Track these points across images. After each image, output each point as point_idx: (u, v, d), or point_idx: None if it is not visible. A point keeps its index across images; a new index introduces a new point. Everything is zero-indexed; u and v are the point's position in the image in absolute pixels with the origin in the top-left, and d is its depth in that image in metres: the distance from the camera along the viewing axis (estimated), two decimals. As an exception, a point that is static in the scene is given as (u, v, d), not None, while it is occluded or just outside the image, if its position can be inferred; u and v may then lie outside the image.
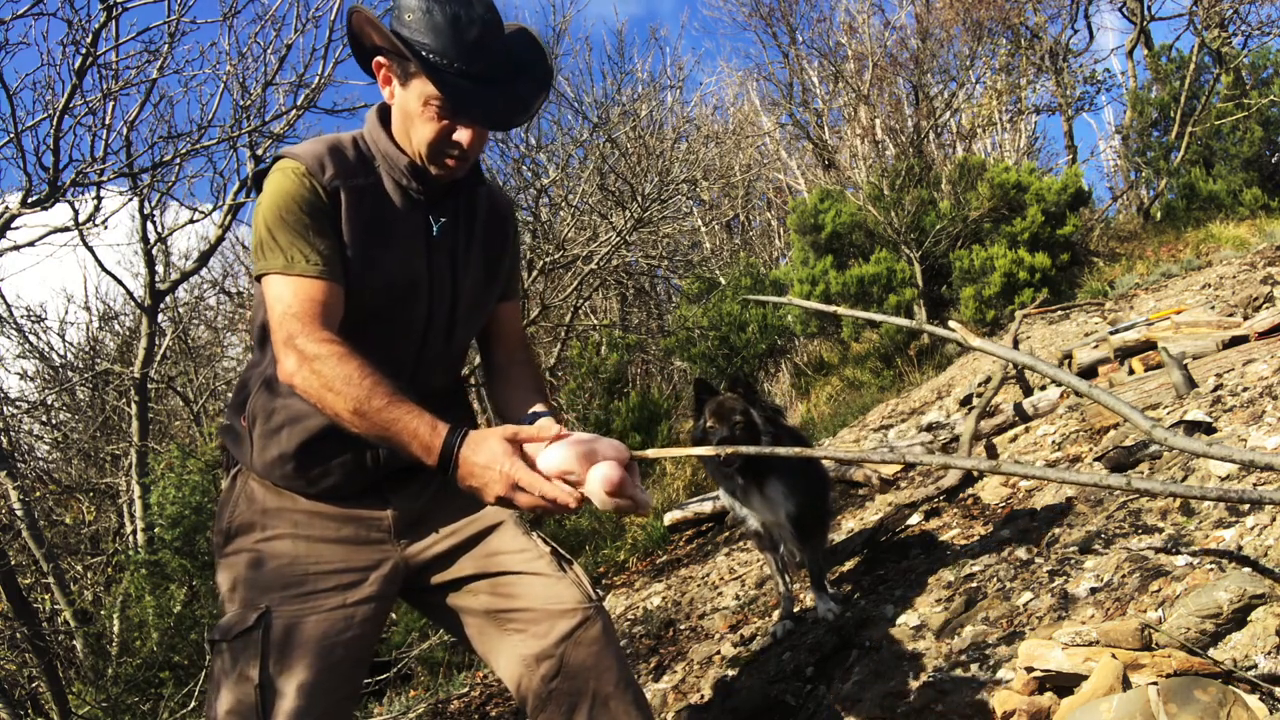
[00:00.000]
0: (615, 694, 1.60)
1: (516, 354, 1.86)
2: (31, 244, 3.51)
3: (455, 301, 1.70)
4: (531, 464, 1.40)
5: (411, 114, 1.55)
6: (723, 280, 10.12)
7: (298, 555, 1.62)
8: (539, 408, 1.71)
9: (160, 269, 5.16)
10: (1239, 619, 1.76)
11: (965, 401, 5.47)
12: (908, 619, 2.55)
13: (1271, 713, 1.53)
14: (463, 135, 1.54)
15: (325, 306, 1.49)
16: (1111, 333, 4.88)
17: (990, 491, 3.47)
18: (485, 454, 1.35)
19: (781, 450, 1.54)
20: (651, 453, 1.52)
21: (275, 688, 1.50)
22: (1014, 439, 4.23)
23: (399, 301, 1.62)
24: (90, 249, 4.14)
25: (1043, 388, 4.79)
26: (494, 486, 1.35)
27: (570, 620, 1.60)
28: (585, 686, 1.59)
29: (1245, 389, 3.19)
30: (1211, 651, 1.74)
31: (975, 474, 3.66)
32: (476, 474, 1.36)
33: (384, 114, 1.65)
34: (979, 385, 5.51)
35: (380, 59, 1.56)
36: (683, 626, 3.40)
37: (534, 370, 1.86)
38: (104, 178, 3.51)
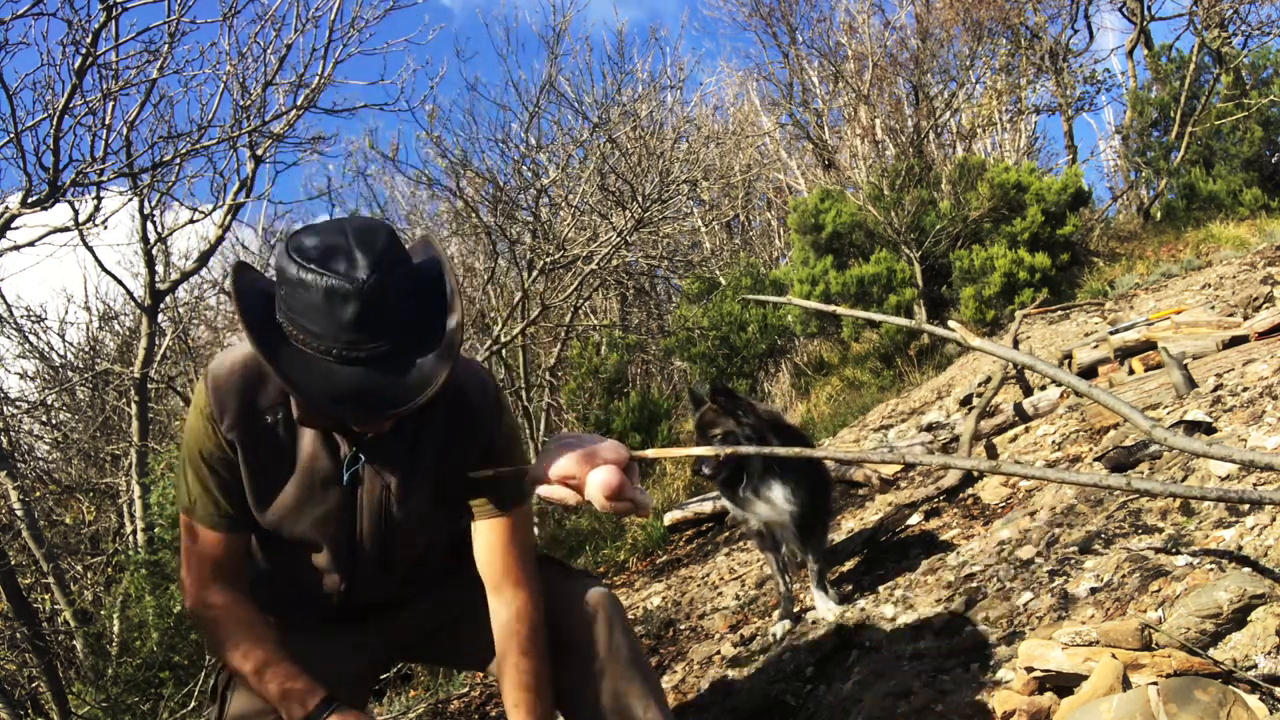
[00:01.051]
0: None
1: (505, 591, 1.57)
2: (31, 244, 3.51)
3: (386, 539, 1.58)
4: None
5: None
6: (723, 280, 10.12)
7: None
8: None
9: (160, 269, 5.16)
10: (1239, 619, 1.76)
11: (965, 401, 5.47)
12: (908, 619, 2.55)
13: (1271, 713, 1.53)
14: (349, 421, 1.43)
15: (218, 560, 1.51)
16: (1111, 333, 4.88)
17: (990, 491, 3.47)
18: None
19: (780, 450, 1.54)
20: (651, 453, 1.53)
21: None
22: (1014, 439, 4.23)
23: (311, 544, 1.56)
24: (90, 249, 4.14)
25: (1043, 388, 4.79)
26: None
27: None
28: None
29: (1245, 389, 3.19)
30: (1211, 651, 1.74)
31: (975, 474, 3.66)
32: None
33: None
34: (979, 385, 5.51)
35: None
36: (683, 626, 3.40)
37: (535, 663, 1.55)
38: (104, 178, 3.51)
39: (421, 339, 1.34)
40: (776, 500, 2.67)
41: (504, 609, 1.57)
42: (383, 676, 3.62)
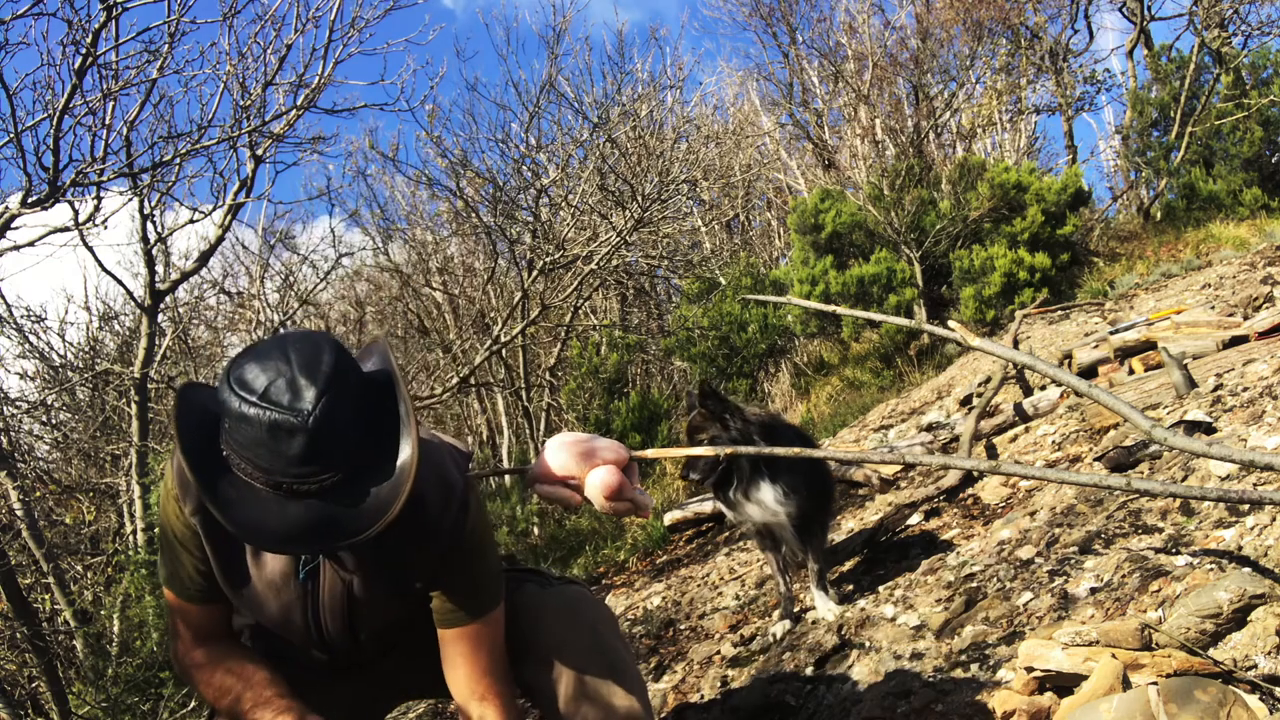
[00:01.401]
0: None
1: (473, 707, 1.52)
2: (31, 244, 3.51)
3: (351, 621, 1.55)
4: None
5: None
6: (723, 280, 10.11)
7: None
8: None
9: (160, 269, 5.16)
10: (1239, 619, 1.76)
11: (965, 401, 5.47)
12: (908, 619, 2.55)
13: (1271, 713, 1.53)
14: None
15: (198, 627, 1.55)
16: (1111, 333, 4.88)
17: (990, 491, 3.47)
18: None
19: (780, 450, 1.54)
20: (651, 453, 1.53)
21: None
22: (1014, 439, 4.23)
23: (280, 627, 1.56)
24: (90, 249, 4.14)
25: (1043, 388, 4.79)
26: None
27: None
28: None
29: (1245, 389, 3.19)
30: (1211, 651, 1.74)
31: (975, 474, 3.66)
32: None
33: None
34: (979, 385, 5.51)
35: None
36: (683, 626, 3.40)
37: None
38: (104, 178, 3.51)
39: (374, 463, 1.29)
40: (766, 501, 2.66)
41: None
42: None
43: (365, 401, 1.30)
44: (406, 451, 1.29)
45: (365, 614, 1.53)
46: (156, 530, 1.56)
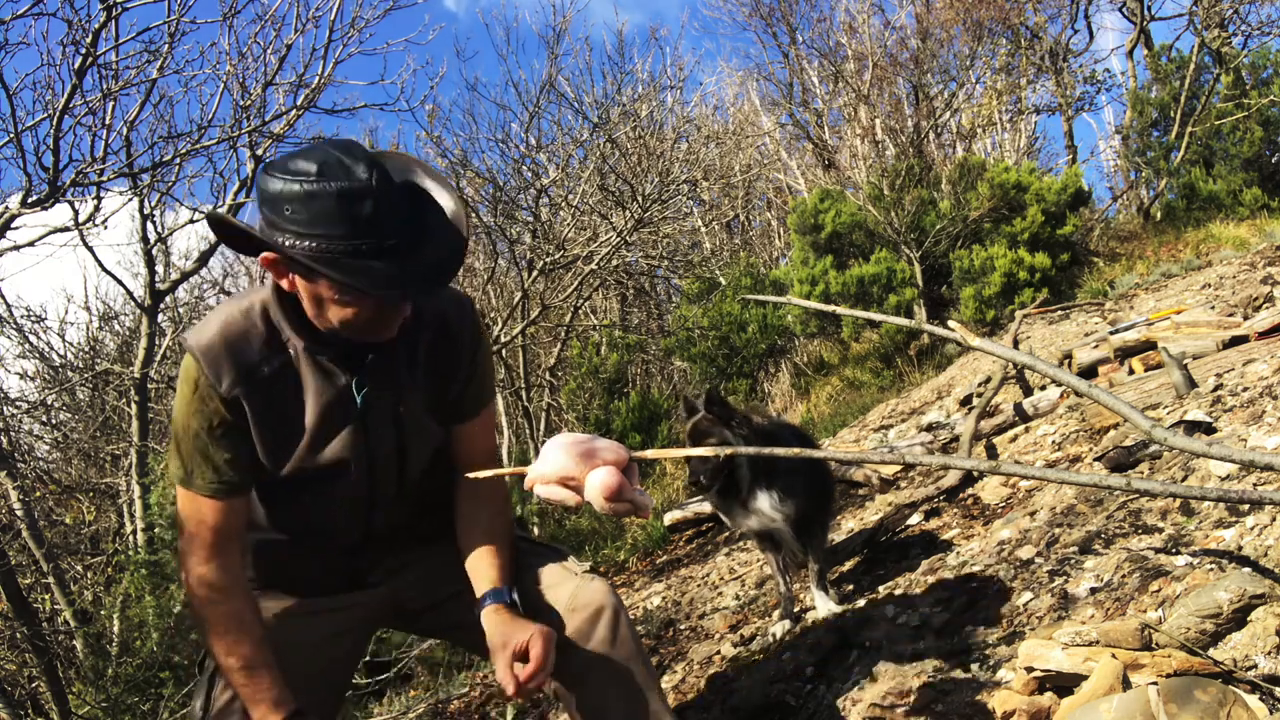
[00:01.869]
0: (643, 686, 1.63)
1: (478, 484, 1.64)
2: (31, 244, 3.51)
3: (401, 456, 1.64)
4: None
5: (325, 300, 1.44)
6: (723, 280, 10.11)
7: (270, 608, 1.68)
8: (487, 563, 1.63)
9: (160, 269, 5.16)
10: (1239, 619, 1.76)
11: (965, 401, 5.47)
12: (908, 619, 2.55)
13: (1271, 713, 1.53)
14: (386, 312, 1.46)
15: (217, 528, 1.54)
16: (1111, 333, 4.88)
17: (990, 491, 3.47)
18: None
19: (780, 451, 1.54)
20: (651, 453, 1.53)
21: (223, 688, 1.58)
22: (1014, 439, 4.23)
23: (331, 476, 1.59)
24: (90, 249, 4.15)
25: (1043, 388, 4.79)
26: None
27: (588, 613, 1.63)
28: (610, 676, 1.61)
29: (1245, 389, 3.19)
30: (1211, 651, 1.74)
31: (975, 474, 3.66)
32: None
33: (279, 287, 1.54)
34: (979, 385, 5.51)
35: (267, 254, 1.41)
36: (683, 626, 3.40)
37: (494, 508, 1.71)
38: (104, 178, 3.51)
39: (432, 220, 1.44)
40: (763, 509, 2.66)
41: (485, 503, 1.69)
42: (382, 676, 3.62)
43: (402, 178, 1.45)
44: (450, 201, 1.46)
45: (411, 440, 1.63)
46: (168, 440, 1.57)
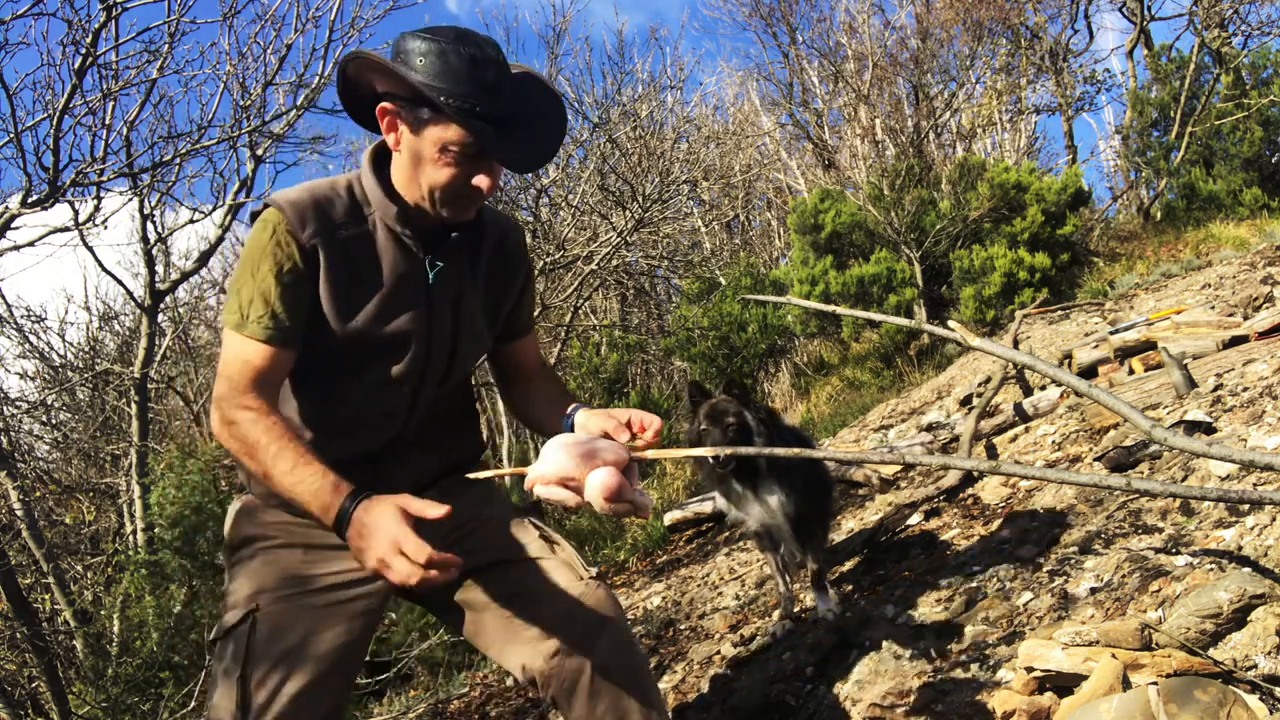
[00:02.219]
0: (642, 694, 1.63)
1: (536, 381, 1.87)
2: (31, 244, 3.51)
3: (455, 344, 1.69)
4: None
5: (425, 159, 1.52)
6: (723, 280, 10.11)
7: (295, 560, 1.64)
8: (569, 408, 1.73)
9: (160, 269, 5.16)
10: (1239, 619, 1.76)
11: (965, 401, 5.47)
12: (908, 619, 2.55)
13: (1271, 713, 1.53)
14: (481, 180, 1.53)
15: (260, 372, 1.50)
16: (1111, 333, 4.88)
17: (990, 491, 3.47)
18: (376, 516, 1.37)
19: (780, 451, 1.54)
20: (651, 453, 1.52)
21: (259, 684, 1.50)
22: (1014, 439, 4.23)
23: (392, 349, 1.61)
24: (90, 249, 4.15)
25: (1043, 388, 4.79)
26: (378, 547, 1.34)
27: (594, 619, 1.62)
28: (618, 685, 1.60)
29: (1245, 389, 3.19)
30: (1211, 651, 1.74)
31: (975, 474, 3.66)
32: (365, 534, 1.36)
33: (377, 157, 1.62)
34: (979, 385, 5.51)
35: (386, 105, 1.51)
36: (683, 626, 3.40)
37: (554, 382, 1.89)
38: (104, 178, 3.52)
39: (538, 114, 1.57)
40: (772, 504, 2.65)
41: (548, 382, 1.86)
42: (382, 676, 3.62)
43: (521, 80, 1.59)
44: (555, 107, 1.60)
45: (467, 330, 1.70)
46: (232, 279, 1.56)
